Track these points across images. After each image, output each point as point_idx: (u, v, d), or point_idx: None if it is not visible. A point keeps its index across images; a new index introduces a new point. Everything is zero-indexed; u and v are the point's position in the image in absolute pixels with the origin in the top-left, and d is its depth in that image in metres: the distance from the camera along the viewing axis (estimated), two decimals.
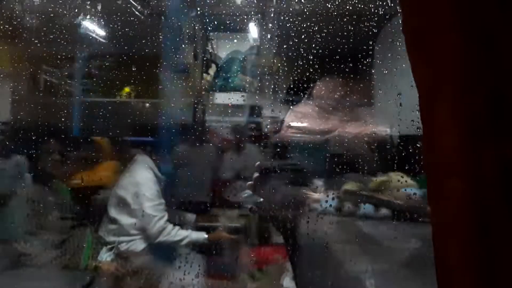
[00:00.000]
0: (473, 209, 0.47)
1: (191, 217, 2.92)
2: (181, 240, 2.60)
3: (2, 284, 2.39)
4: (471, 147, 0.47)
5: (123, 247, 2.56)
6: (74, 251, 2.49)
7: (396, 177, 2.50)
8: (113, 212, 2.60)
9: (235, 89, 3.27)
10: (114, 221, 2.58)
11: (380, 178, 2.57)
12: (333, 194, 2.60)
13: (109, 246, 2.55)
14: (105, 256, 2.51)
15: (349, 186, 2.69)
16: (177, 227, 2.61)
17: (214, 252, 2.68)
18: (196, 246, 2.68)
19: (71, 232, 2.54)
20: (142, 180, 2.59)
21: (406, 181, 2.46)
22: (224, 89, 3.34)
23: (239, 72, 3.37)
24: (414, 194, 2.46)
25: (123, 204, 2.57)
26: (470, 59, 0.47)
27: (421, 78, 0.53)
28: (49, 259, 2.47)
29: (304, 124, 2.57)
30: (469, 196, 0.47)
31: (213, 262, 2.71)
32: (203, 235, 2.66)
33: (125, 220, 2.57)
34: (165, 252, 2.68)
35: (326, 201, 2.61)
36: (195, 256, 2.70)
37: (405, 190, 2.48)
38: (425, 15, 0.51)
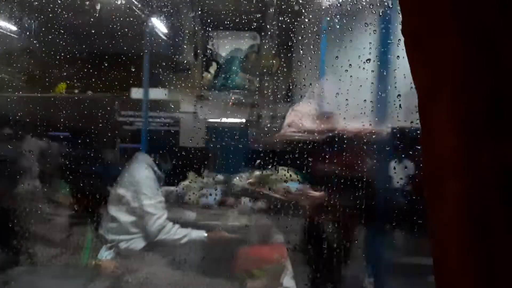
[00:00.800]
0: (473, 210, 0.47)
1: (190, 215, 2.92)
2: (180, 239, 2.60)
3: (4, 282, 2.40)
4: (470, 148, 0.46)
5: (123, 245, 2.56)
6: (74, 249, 2.50)
7: (281, 172, 2.60)
8: (113, 211, 2.60)
9: (235, 88, 3.27)
10: (114, 219, 2.58)
11: (263, 172, 2.69)
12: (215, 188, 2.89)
13: (109, 245, 2.55)
14: (105, 254, 2.51)
15: (238, 180, 2.82)
16: (177, 226, 2.61)
17: (213, 251, 2.68)
18: (195, 245, 2.68)
19: (71, 230, 2.55)
20: (141, 179, 2.59)
21: (289, 176, 2.60)
22: (225, 88, 3.34)
23: (239, 71, 3.37)
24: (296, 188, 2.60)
25: (122, 203, 2.58)
26: (470, 60, 0.47)
27: (420, 79, 0.53)
28: (50, 257, 2.48)
29: (304, 123, 2.58)
30: (468, 197, 0.47)
31: (213, 261, 2.71)
32: (203, 234, 2.66)
33: (125, 218, 2.57)
34: (164, 251, 2.68)
35: (211, 195, 2.83)
36: (195, 255, 2.70)
37: (287, 184, 2.60)
38: (424, 16, 0.51)
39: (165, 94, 3.19)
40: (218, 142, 2.80)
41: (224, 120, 3.12)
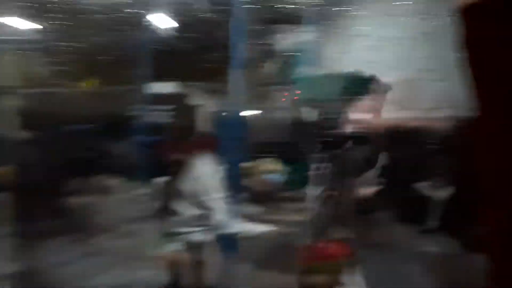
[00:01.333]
0: None
1: (255, 209, 2.94)
2: (243, 233, 2.63)
3: (72, 273, 2.55)
4: None
5: (186, 238, 2.62)
6: (140, 242, 2.59)
7: (266, 164, 2.75)
8: (176, 205, 2.67)
9: (296, 81, 3.23)
10: (177, 213, 2.65)
11: (248, 164, 2.82)
12: None
13: (172, 237, 2.62)
14: (169, 247, 2.59)
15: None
16: (239, 220, 2.64)
17: (276, 245, 2.68)
18: (258, 239, 2.70)
19: (137, 224, 2.65)
20: (204, 175, 2.63)
21: (273, 168, 2.61)
22: (286, 81, 3.31)
23: (302, 64, 3.32)
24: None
25: (186, 197, 2.64)
26: None
27: (479, 94, 0.50)
28: (116, 248, 2.59)
29: (362, 118, 2.52)
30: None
31: (275, 255, 2.71)
32: (265, 228, 2.67)
33: (188, 212, 2.63)
34: (227, 244, 2.72)
35: None
36: (257, 249, 2.72)
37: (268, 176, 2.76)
38: (483, 31, 0.49)
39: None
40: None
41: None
